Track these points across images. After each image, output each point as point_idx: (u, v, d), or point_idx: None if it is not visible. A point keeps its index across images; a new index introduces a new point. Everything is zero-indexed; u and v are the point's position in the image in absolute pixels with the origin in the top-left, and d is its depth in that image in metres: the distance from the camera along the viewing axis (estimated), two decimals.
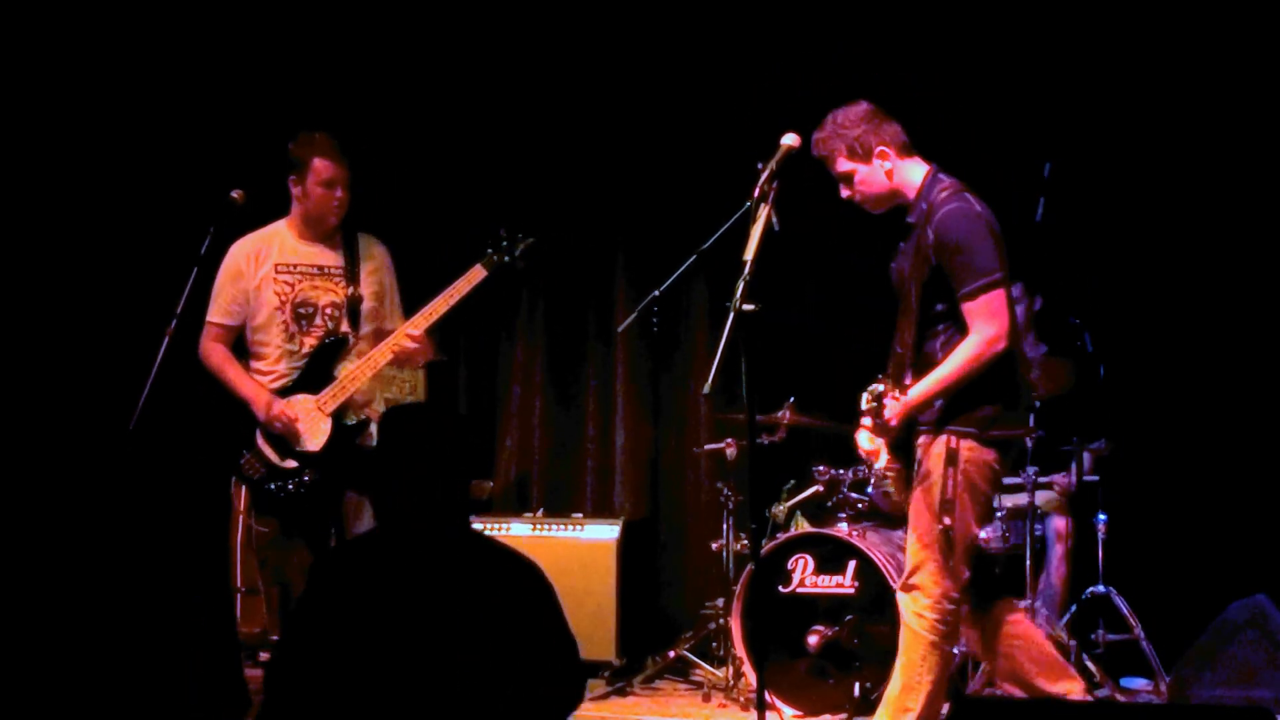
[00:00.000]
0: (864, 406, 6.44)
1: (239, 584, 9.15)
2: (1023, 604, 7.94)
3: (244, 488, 7.49)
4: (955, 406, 6.27)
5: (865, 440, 6.55)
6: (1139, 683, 8.38)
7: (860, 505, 8.46)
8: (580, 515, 9.57)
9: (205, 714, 6.59)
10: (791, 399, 8.62)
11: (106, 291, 9.22)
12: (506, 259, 7.42)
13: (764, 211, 6.02)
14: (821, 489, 8.58)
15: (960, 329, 6.25)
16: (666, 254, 7.46)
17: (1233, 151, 8.69)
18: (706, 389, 5.90)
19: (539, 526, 9.33)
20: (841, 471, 8.50)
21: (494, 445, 10.36)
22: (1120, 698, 7.98)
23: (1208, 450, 8.72)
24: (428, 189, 10.12)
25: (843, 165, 6.41)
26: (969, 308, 6.21)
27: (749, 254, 5.89)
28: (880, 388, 6.37)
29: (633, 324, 7.88)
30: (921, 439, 6.38)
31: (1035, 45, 8.97)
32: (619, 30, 9.83)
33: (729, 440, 8.65)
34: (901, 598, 6.43)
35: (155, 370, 6.81)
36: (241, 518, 9.05)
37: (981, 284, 6.19)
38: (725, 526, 8.70)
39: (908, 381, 6.32)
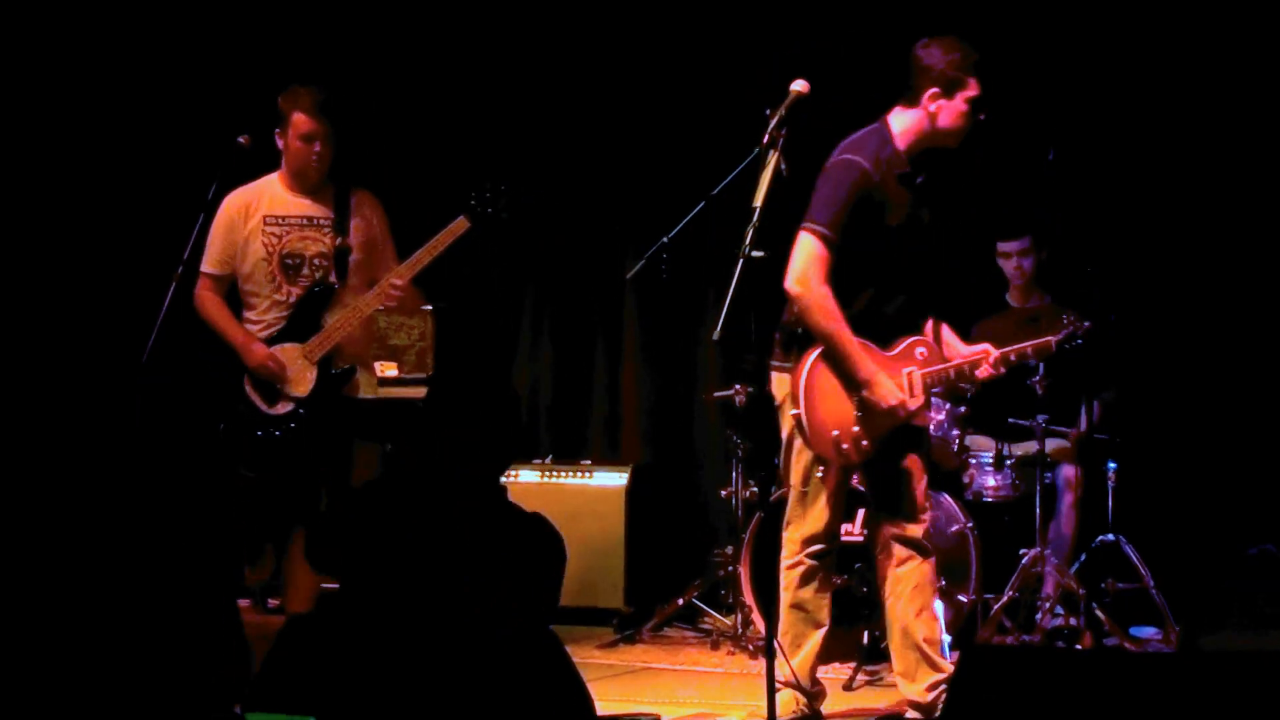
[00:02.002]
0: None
1: None
2: (1033, 551, 7.96)
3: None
4: None
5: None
6: (1149, 631, 8.37)
7: None
8: (589, 462, 9.56)
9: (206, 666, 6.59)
10: None
11: (115, 238, 9.22)
12: (489, 210, 7.53)
13: (773, 158, 6.01)
14: None
15: None
16: (676, 201, 7.44)
17: (1249, 97, 8.64)
18: (715, 335, 5.89)
19: (547, 473, 9.33)
20: None
21: None
22: (1130, 647, 7.98)
23: (1218, 398, 8.70)
24: (428, 140, 10.06)
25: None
26: None
27: (758, 201, 5.88)
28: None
29: (641, 271, 7.86)
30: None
31: None
32: None
33: (738, 386, 8.62)
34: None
35: (163, 315, 6.86)
36: None
37: None
38: (734, 474, 8.68)
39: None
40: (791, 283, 6.21)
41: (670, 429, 10.09)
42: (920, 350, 6.44)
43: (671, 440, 10.09)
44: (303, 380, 7.37)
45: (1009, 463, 8.40)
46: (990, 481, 8.47)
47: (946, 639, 7.87)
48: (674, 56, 9.72)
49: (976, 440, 8.61)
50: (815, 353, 6.28)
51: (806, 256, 6.20)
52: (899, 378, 6.36)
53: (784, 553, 6.61)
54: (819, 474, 6.43)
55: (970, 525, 8.31)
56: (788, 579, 6.57)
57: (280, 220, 7.47)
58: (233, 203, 7.52)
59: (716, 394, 9.04)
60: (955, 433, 8.37)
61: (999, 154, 8.71)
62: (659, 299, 9.90)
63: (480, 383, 4.97)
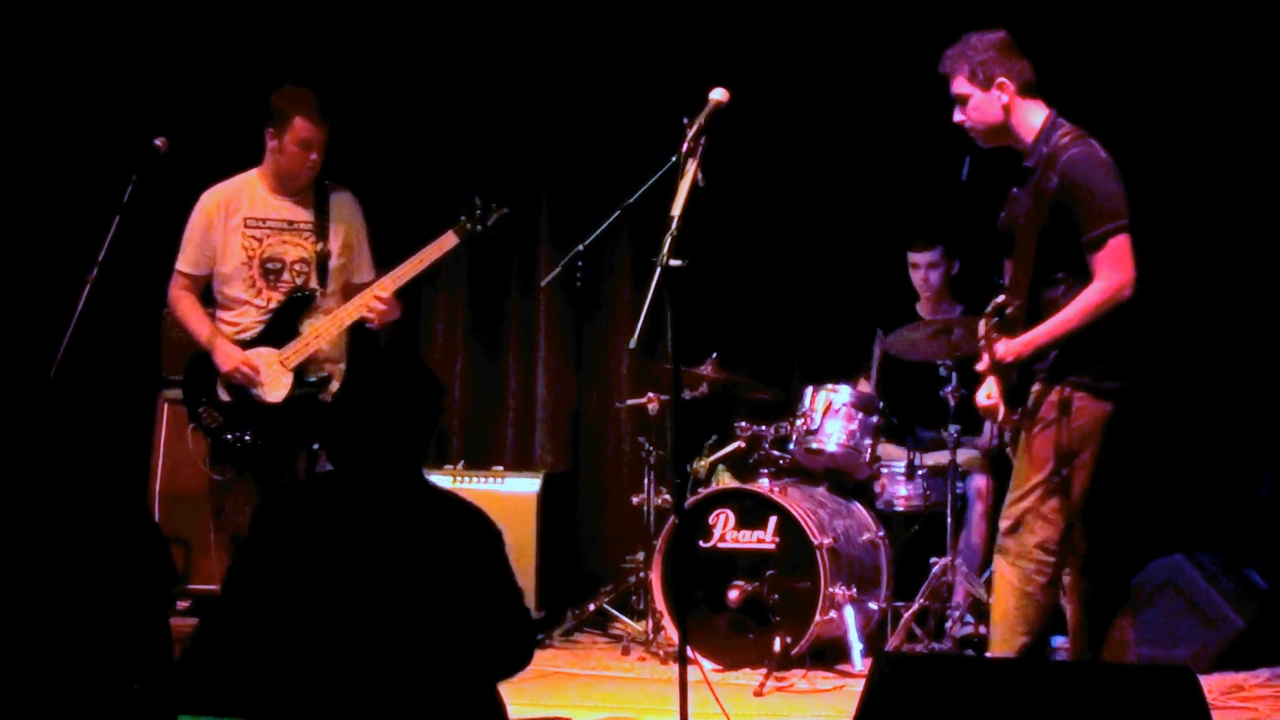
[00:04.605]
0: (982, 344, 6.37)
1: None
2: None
3: (202, 436, 7.47)
4: (1070, 356, 6.16)
5: (983, 396, 6.41)
6: (1059, 640, 8.43)
7: (782, 461, 8.50)
8: (501, 468, 9.55)
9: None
10: (714, 355, 8.64)
11: (28, 240, 9.15)
12: (479, 228, 7.49)
13: (691, 167, 6.01)
14: (743, 445, 8.61)
15: (1080, 277, 6.13)
16: (591, 209, 7.45)
17: (1162, 95, 8.71)
18: (632, 344, 5.92)
19: (459, 479, 9.30)
20: (763, 428, 8.53)
21: None
22: None
23: (1127, 411, 8.75)
24: (362, 141, 10.01)
25: (960, 87, 6.28)
26: (1095, 254, 6.08)
27: (676, 210, 5.88)
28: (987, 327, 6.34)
29: (556, 279, 7.87)
30: (1036, 388, 6.25)
31: None
32: None
33: (651, 395, 8.66)
34: (996, 557, 6.33)
35: (76, 318, 6.78)
36: (161, 466, 9.04)
37: (1109, 229, 6.06)
38: (646, 481, 8.71)
39: (1021, 330, 6.23)
40: None
41: (583, 436, 10.12)
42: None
43: (584, 447, 10.11)
44: (277, 385, 7.24)
45: (920, 473, 8.45)
46: (901, 491, 8.53)
47: (859, 646, 7.95)
48: (595, 61, 9.73)
49: (888, 450, 8.67)
50: None
51: None
52: None
53: None
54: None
55: (881, 534, 8.38)
56: None
57: (261, 223, 7.33)
58: (210, 200, 7.38)
59: (630, 401, 9.06)
60: (867, 442, 8.43)
61: (912, 163, 8.78)
62: (573, 307, 9.92)
63: (392, 369, 4.92)
